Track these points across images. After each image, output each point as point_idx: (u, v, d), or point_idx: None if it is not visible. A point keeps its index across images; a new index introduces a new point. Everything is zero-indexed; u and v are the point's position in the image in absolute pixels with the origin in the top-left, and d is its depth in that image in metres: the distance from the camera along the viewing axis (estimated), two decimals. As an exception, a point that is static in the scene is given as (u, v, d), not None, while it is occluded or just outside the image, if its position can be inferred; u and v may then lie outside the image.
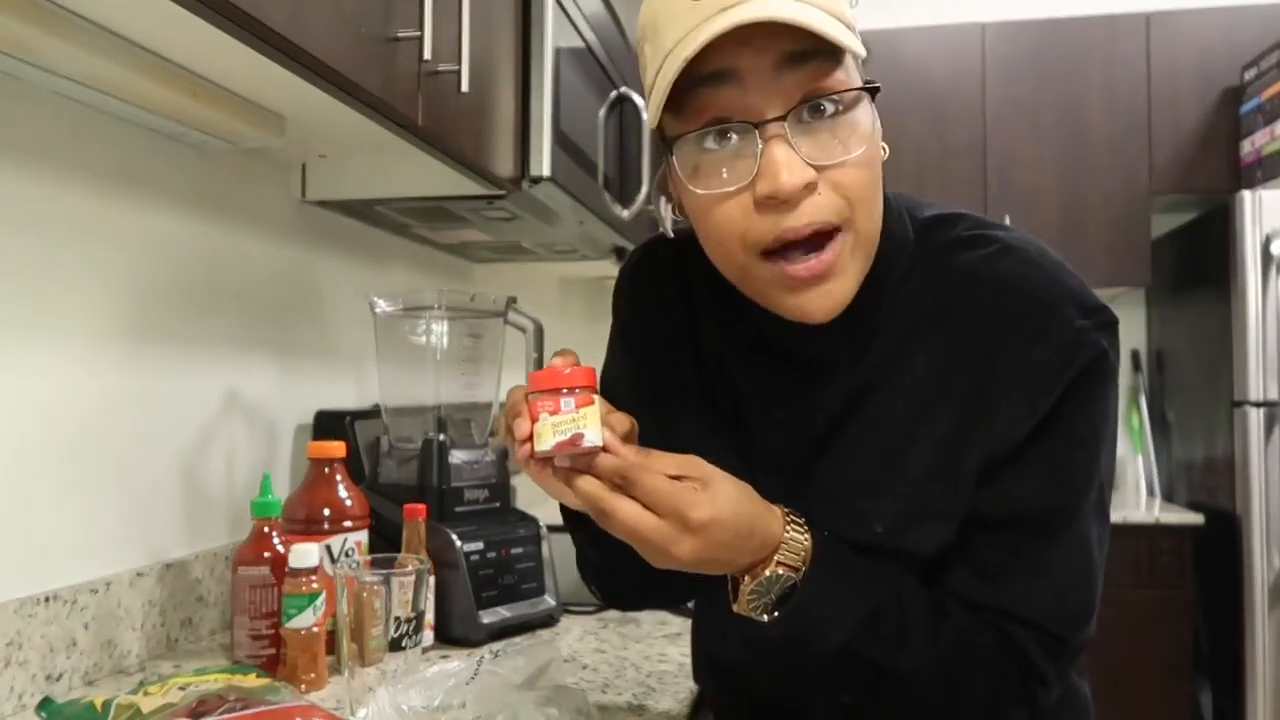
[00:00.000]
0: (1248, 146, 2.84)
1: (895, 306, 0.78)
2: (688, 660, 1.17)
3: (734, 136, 0.69)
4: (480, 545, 1.28)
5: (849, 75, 0.70)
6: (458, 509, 1.31)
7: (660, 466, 0.70)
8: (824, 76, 0.68)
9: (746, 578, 0.72)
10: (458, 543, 1.25)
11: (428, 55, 1.04)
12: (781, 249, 0.70)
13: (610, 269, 2.33)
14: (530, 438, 0.70)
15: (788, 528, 0.72)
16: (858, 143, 0.69)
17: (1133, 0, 3.16)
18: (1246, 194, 2.52)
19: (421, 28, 1.04)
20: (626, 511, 0.68)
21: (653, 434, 0.76)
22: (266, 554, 1.09)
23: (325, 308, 1.59)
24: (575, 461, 0.70)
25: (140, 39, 0.91)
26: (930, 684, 0.74)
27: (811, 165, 0.68)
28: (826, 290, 0.71)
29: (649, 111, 0.73)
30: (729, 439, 0.83)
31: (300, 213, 1.51)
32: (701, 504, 0.68)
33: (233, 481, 1.34)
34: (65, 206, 1.06)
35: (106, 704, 0.80)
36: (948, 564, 0.76)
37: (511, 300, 1.46)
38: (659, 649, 1.23)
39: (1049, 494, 0.74)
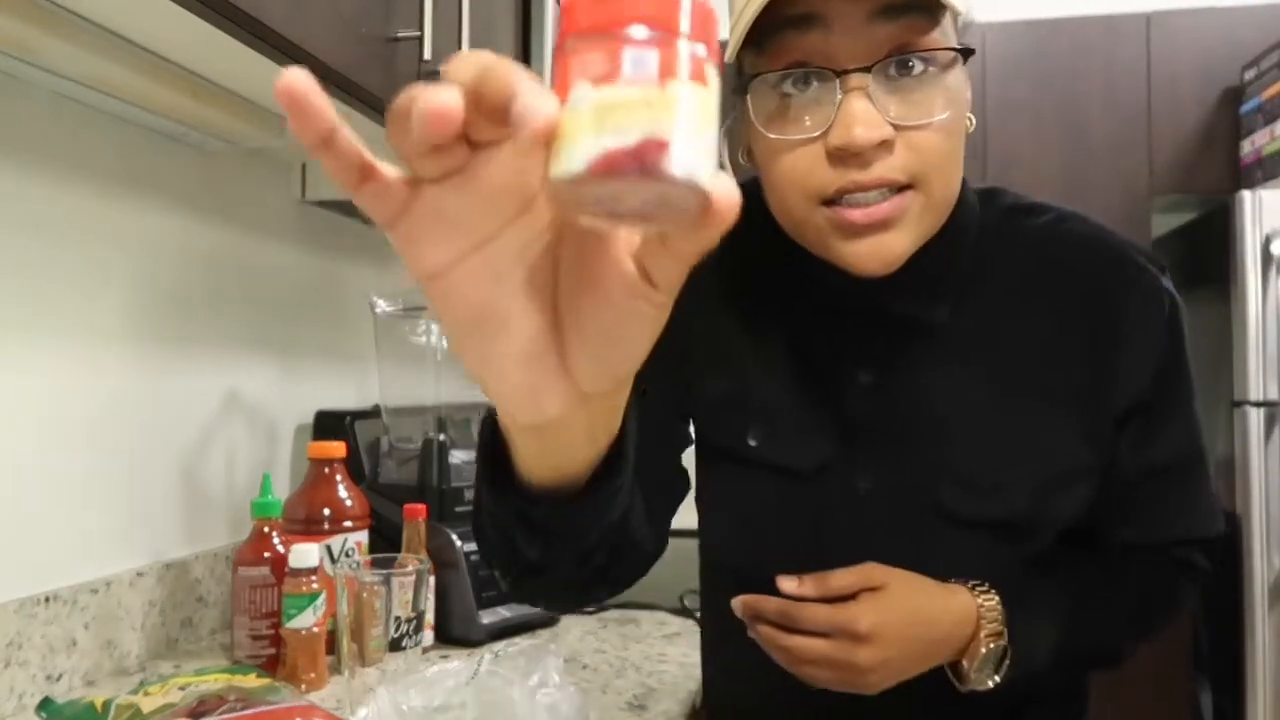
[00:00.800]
0: (1248, 146, 2.84)
1: (977, 270, 0.77)
2: (688, 660, 1.17)
3: (814, 82, 0.66)
4: (480, 545, 1.27)
5: (945, 35, 0.67)
6: (458, 509, 1.31)
7: (838, 583, 0.70)
8: (918, 33, 0.65)
9: (964, 662, 0.73)
10: (458, 543, 1.25)
11: (428, 55, 1.04)
12: (842, 197, 0.67)
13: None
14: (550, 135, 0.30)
15: (978, 598, 0.73)
16: (943, 106, 0.66)
17: (1133, 0, 3.16)
18: (1246, 194, 2.52)
19: (421, 28, 1.03)
20: (800, 645, 0.70)
21: (726, 391, 0.77)
22: (266, 554, 1.09)
23: (325, 308, 1.59)
24: (652, 216, 0.32)
25: (140, 39, 0.91)
26: (1124, 635, 0.81)
27: (891, 124, 0.65)
28: (883, 240, 0.67)
29: (729, 46, 0.68)
30: (813, 396, 0.79)
31: (300, 213, 1.51)
32: (863, 614, 0.69)
33: (233, 481, 1.34)
34: (65, 206, 1.05)
35: (106, 704, 0.80)
36: (1089, 517, 0.78)
37: (511, 300, 1.45)
38: (659, 649, 1.23)
39: (1189, 437, 0.80)
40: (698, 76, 0.30)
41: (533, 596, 0.72)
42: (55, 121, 1.04)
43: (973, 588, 0.73)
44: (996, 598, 0.73)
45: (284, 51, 0.86)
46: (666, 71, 0.30)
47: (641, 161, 0.29)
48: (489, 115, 0.31)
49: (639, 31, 0.30)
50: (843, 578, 0.71)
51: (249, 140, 1.18)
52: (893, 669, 0.70)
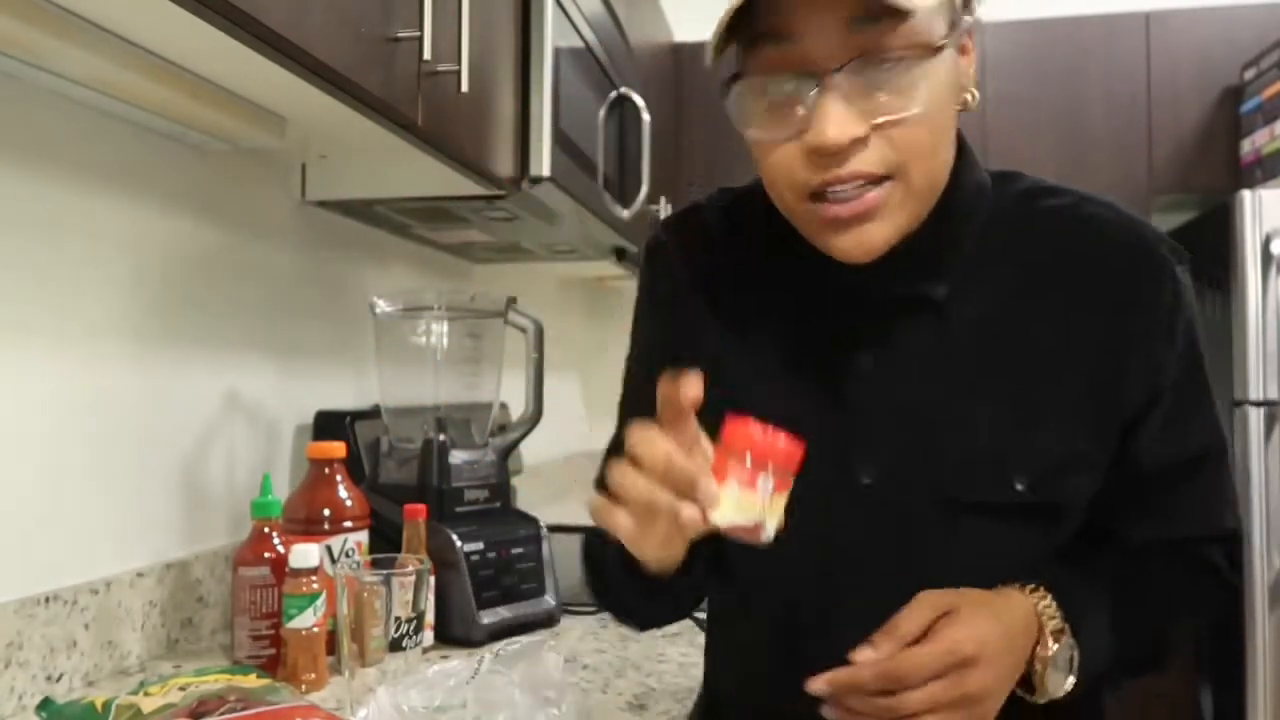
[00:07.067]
0: (1248, 146, 2.84)
1: (986, 251, 0.78)
2: (687, 660, 1.17)
3: (790, 84, 0.69)
4: (480, 545, 1.28)
5: (928, 26, 0.68)
6: (458, 509, 1.31)
7: (907, 627, 0.68)
8: (893, 32, 0.67)
9: (1037, 666, 0.71)
10: (458, 543, 1.25)
11: (428, 55, 1.04)
12: (826, 191, 0.70)
13: (610, 269, 2.32)
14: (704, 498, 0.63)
15: (1030, 597, 0.72)
16: (919, 100, 0.68)
17: (1132, 0, 3.16)
18: (1246, 194, 2.52)
19: (421, 28, 1.03)
20: (918, 701, 0.66)
21: (729, 384, 0.76)
22: (267, 554, 1.09)
23: (325, 308, 1.59)
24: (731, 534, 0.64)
25: (141, 40, 0.91)
26: (1160, 629, 0.81)
27: (865, 120, 0.67)
28: (864, 231, 0.71)
29: (707, 53, 0.72)
30: (813, 383, 0.80)
31: (300, 213, 1.51)
32: (961, 637, 0.67)
33: (233, 481, 1.34)
34: (65, 206, 1.06)
35: (107, 704, 0.80)
36: (1109, 512, 0.79)
37: (511, 300, 1.46)
38: (659, 649, 1.23)
39: (1210, 430, 0.80)
40: (785, 487, 0.64)
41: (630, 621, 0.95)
42: (55, 121, 1.04)
43: (1021, 587, 0.73)
44: (1049, 595, 0.72)
45: (284, 51, 0.86)
46: (778, 488, 0.64)
47: (751, 534, 0.64)
48: (673, 489, 0.62)
49: (767, 466, 0.63)
50: (910, 619, 0.68)
51: (249, 141, 1.18)
52: (1001, 687, 0.69)
